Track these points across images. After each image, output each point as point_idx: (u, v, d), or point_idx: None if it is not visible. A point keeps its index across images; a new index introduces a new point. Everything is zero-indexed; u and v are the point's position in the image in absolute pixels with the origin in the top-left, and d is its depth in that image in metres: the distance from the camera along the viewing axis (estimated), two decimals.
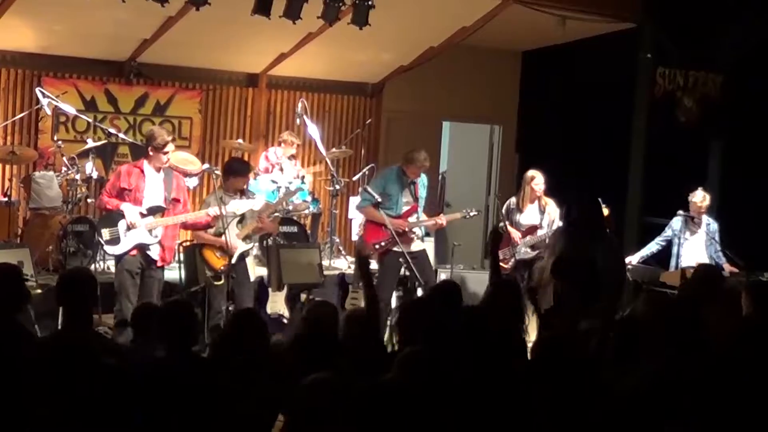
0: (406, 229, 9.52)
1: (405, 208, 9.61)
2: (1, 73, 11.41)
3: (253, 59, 12.62)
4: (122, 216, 8.21)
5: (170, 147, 8.37)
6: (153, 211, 8.25)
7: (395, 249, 9.41)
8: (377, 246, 9.49)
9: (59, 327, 8.42)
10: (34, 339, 4.87)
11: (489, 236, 7.00)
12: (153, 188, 8.32)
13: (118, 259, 8.28)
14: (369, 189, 9.50)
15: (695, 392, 4.43)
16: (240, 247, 8.92)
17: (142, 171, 8.32)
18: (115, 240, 8.22)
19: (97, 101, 11.87)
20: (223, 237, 8.73)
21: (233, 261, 8.78)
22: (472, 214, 10.10)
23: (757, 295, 6.32)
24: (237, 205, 8.62)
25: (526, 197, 9.96)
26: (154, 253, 8.32)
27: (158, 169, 8.35)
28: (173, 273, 9.65)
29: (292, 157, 11.81)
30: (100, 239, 8.33)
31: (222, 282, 8.84)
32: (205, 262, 8.97)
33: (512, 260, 9.71)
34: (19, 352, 4.55)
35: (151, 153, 8.32)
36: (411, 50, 12.91)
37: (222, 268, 8.81)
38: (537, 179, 9.93)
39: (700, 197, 10.30)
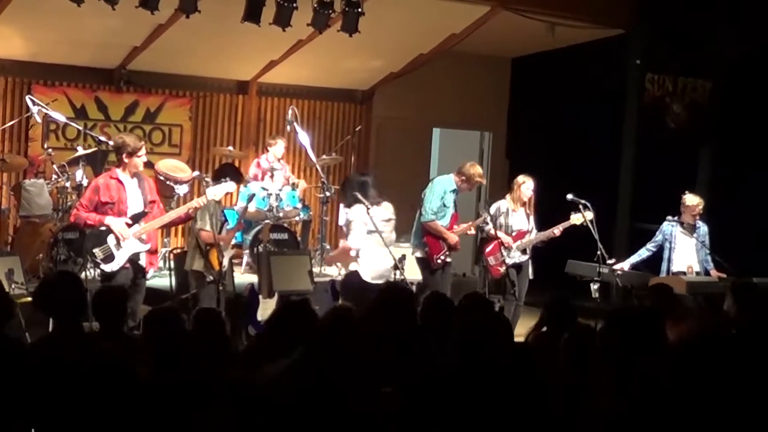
0: (458, 242, 9.81)
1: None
2: None
3: (243, 66, 12.64)
4: (108, 231, 8.07)
5: (143, 149, 8.30)
6: (137, 218, 8.15)
7: (448, 260, 9.71)
8: (439, 260, 9.60)
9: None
10: (23, 346, 4.84)
11: None
12: (133, 196, 8.23)
13: (111, 275, 8.13)
14: (429, 204, 9.65)
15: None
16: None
17: (120, 182, 8.20)
18: (109, 257, 8.07)
19: (87, 109, 11.87)
20: (213, 232, 8.73)
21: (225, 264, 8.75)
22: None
23: (739, 296, 6.41)
24: (214, 191, 8.53)
25: (517, 201, 10.02)
26: (143, 260, 8.26)
27: (132, 175, 8.29)
28: (164, 281, 9.63)
29: (281, 159, 11.86)
30: (95, 260, 8.12)
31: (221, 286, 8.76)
32: (209, 266, 8.85)
33: (503, 265, 9.74)
34: (8, 361, 4.55)
35: (126, 160, 8.22)
36: (401, 57, 12.94)
37: (222, 270, 8.75)
38: (527, 184, 9.99)
39: (695, 200, 10.28)
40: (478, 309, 5.72)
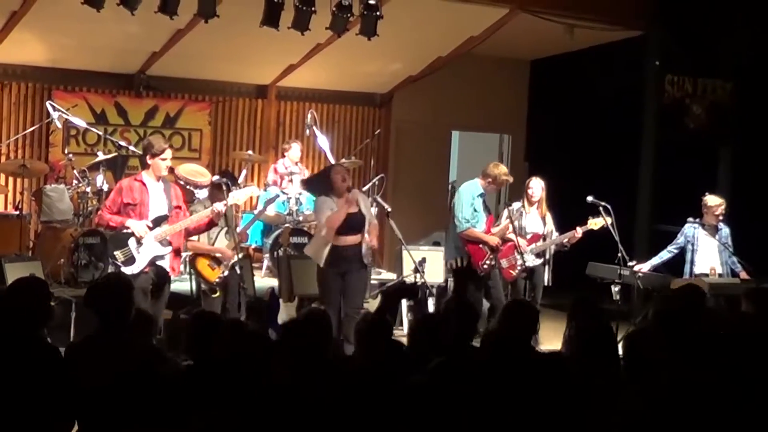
0: (499, 243, 9.69)
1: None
2: (12, 87, 11.50)
3: (262, 71, 12.67)
4: (130, 234, 8.03)
5: (168, 153, 8.25)
6: (158, 221, 8.11)
7: (494, 263, 9.65)
8: (485, 265, 9.54)
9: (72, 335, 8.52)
10: (57, 352, 4.87)
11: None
12: (156, 200, 8.18)
13: (132, 278, 8.10)
14: (461, 213, 9.57)
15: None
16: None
17: (144, 184, 8.16)
18: (130, 260, 7.99)
19: (107, 114, 11.93)
20: (217, 243, 8.70)
21: (226, 273, 8.64)
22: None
23: (753, 300, 6.39)
24: (237, 196, 8.52)
25: (526, 202, 10.03)
26: (166, 264, 8.22)
27: (158, 179, 8.25)
28: (184, 285, 9.64)
29: (299, 162, 11.90)
30: (116, 263, 8.04)
31: (218, 294, 8.70)
32: (199, 275, 8.83)
33: (516, 268, 9.72)
34: (40, 365, 4.61)
35: (150, 161, 8.21)
36: (419, 60, 12.94)
37: (217, 279, 8.69)
38: (533, 182, 10.03)
39: (717, 201, 10.20)
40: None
